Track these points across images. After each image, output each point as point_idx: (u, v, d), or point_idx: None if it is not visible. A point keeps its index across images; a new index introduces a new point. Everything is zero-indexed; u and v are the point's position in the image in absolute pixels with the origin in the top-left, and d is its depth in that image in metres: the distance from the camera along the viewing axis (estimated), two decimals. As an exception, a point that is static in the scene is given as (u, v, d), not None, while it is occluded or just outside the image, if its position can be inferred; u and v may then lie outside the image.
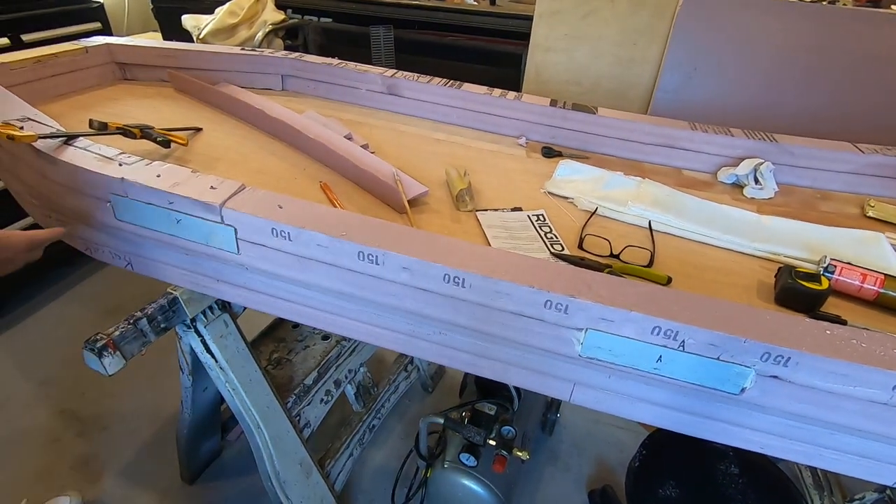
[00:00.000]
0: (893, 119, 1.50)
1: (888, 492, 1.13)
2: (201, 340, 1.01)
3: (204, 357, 1.03)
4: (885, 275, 0.73)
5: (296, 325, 1.43)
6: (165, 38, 2.62)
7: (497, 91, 1.23)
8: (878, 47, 1.46)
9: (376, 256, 0.66)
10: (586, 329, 0.61)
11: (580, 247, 0.84)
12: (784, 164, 1.07)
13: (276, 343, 1.38)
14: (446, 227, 0.87)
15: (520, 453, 1.14)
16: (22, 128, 0.82)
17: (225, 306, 1.05)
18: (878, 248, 0.86)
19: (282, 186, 0.95)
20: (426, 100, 1.27)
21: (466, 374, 1.49)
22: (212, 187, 0.74)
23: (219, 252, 0.76)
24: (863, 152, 1.05)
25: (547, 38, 1.81)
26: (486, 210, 0.91)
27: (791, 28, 1.51)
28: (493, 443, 1.14)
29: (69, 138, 0.84)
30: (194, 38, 2.30)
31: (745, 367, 0.57)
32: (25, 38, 1.95)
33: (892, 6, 1.70)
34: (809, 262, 0.81)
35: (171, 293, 0.94)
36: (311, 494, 1.25)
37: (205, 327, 1.00)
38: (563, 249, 0.82)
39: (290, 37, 2.50)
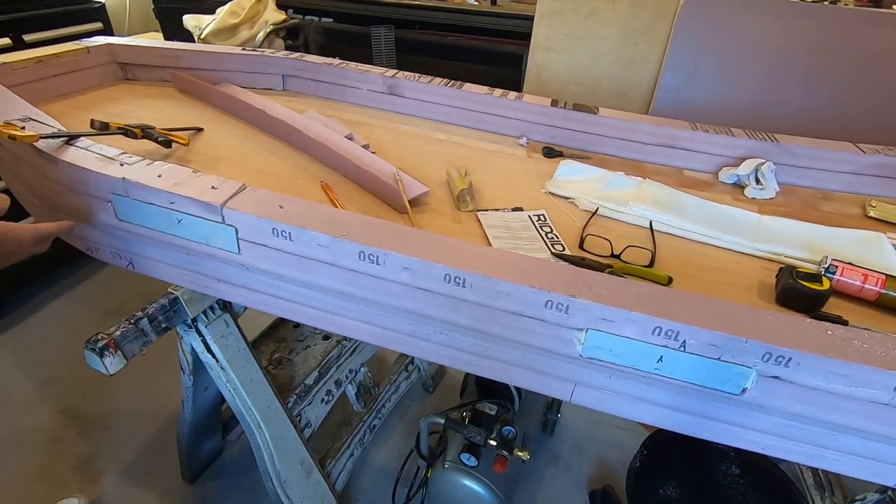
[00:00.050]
0: (894, 119, 1.50)
1: (889, 492, 1.13)
2: (202, 340, 1.01)
3: (205, 357, 1.03)
4: (887, 275, 0.73)
5: (296, 325, 1.43)
6: (167, 38, 2.62)
7: (498, 91, 1.23)
8: (879, 47, 1.46)
9: (377, 256, 0.66)
10: (587, 329, 0.61)
11: (581, 247, 0.84)
12: (785, 164, 1.07)
13: (276, 343, 1.38)
14: (447, 228, 0.87)
15: (520, 453, 1.14)
16: (23, 128, 0.82)
17: (226, 306, 1.05)
18: (880, 248, 0.86)
19: (283, 186, 0.95)
20: (427, 100, 1.27)
21: (467, 375, 1.49)
22: (213, 187, 0.74)
23: (220, 252, 0.77)
24: (864, 152, 1.05)
25: (548, 39, 1.81)
26: (486, 210, 0.91)
27: (791, 28, 1.51)
28: (493, 443, 1.14)
29: (70, 138, 0.84)
30: (195, 39, 2.30)
31: (746, 367, 0.57)
32: (27, 38, 1.96)
33: (894, 6, 1.69)
34: (811, 262, 0.81)
35: (172, 293, 0.95)
36: (311, 494, 1.25)
37: (206, 327, 1.00)
38: (563, 249, 0.82)
39: (292, 37, 2.50)
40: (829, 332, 0.57)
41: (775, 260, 0.84)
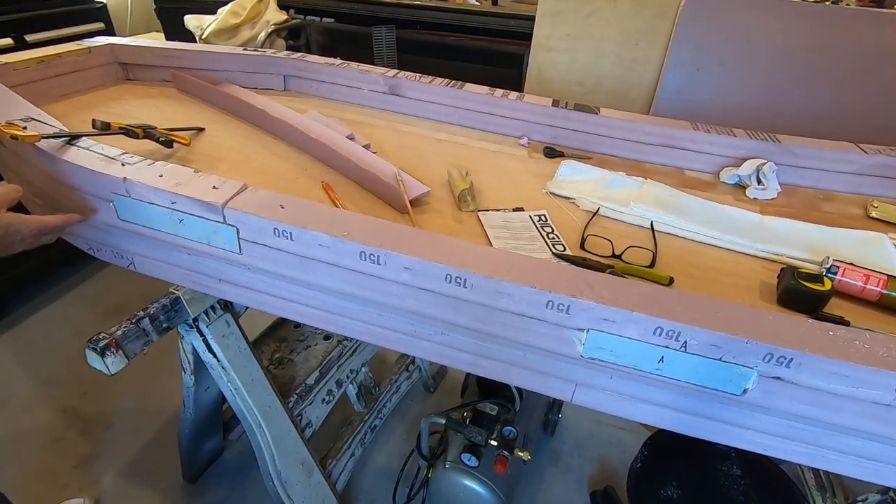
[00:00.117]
0: (894, 119, 1.50)
1: (891, 493, 1.13)
2: (203, 340, 1.02)
3: (206, 357, 1.03)
4: (888, 276, 0.73)
5: (297, 325, 1.43)
6: (168, 38, 2.63)
7: (499, 91, 1.23)
8: (879, 47, 1.46)
9: (378, 256, 0.66)
10: (588, 329, 0.61)
11: (582, 247, 0.84)
12: (787, 164, 1.06)
13: (277, 343, 1.38)
14: (448, 228, 0.87)
15: (521, 454, 1.14)
16: (25, 128, 0.83)
17: (227, 306, 1.05)
18: (881, 248, 0.86)
19: (284, 186, 0.95)
20: (428, 100, 1.27)
21: (468, 375, 1.49)
22: (214, 187, 0.74)
23: (221, 252, 0.77)
24: (866, 153, 1.05)
25: (549, 39, 1.81)
26: (487, 210, 0.91)
27: (792, 28, 1.51)
28: (494, 443, 1.14)
29: (72, 138, 0.84)
30: (197, 39, 2.30)
31: (748, 367, 0.57)
32: (29, 38, 1.96)
33: (895, 6, 1.69)
34: (812, 262, 0.81)
35: (174, 293, 0.95)
36: (312, 494, 1.25)
37: (207, 327, 1.01)
38: (564, 250, 0.82)
39: (293, 37, 2.50)
40: (831, 333, 0.57)
41: (777, 260, 0.84)
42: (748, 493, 0.99)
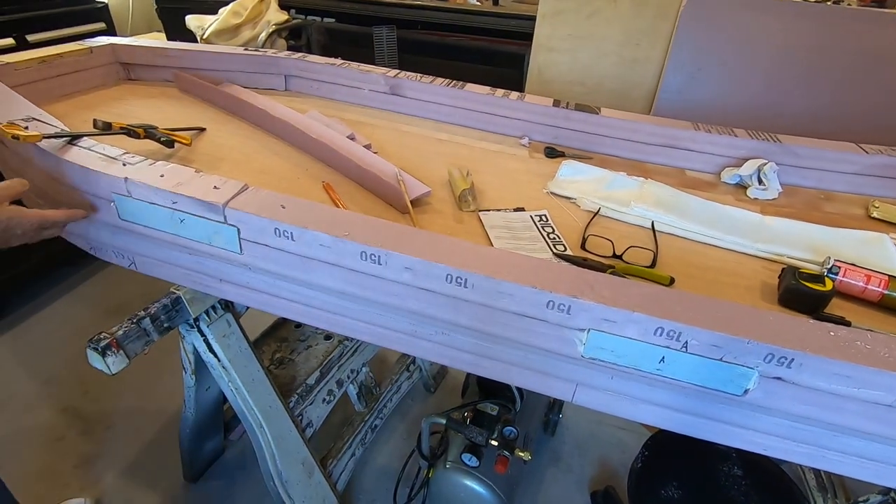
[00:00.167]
0: (895, 119, 1.50)
1: (892, 494, 1.12)
2: (204, 340, 1.02)
3: (207, 356, 1.04)
4: (890, 276, 0.73)
5: (298, 325, 1.43)
6: (169, 38, 2.63)
7: (500, 91, 1.23)
8: (879, 47, 1.46)
9: (379, 256, 0.66)
10: (589, 330, 0.61)
11: (583, 247, 0.84)
12: (788, 164, 1.06)
13: (278, 343, 1.38)
14: (449, 228, 0.87)
15: (522, 454, 1.14)
16: (27, 128, 0.83)
17: (228, 306, 1.05)
18: (883, 249, 0.86)
19: (284, 186, 0.95)
20: (429, 100, 1.27)
21: (469, 375, 1.49)
22: (215, 187, 0.74)
23: (222, 252, 0.77)
24: (867, 153, 1.04)
25: (550, 39, 1.81)
26: (488, 210, 0.91)
27: (792, 28, 1.51)
28: (495, 443, 1.14)
29: (73, 138, 0.84)
30: (198, 39, 2.30)
31: (749, 368, 0.57)
32: (30, 38, 1.96)
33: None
34: (813, 263, 0.81)
35: (175, 293, 0.95)
36: (313, 494, 1.25)
37: (208, 327, 1.01)
38: (565, 250, 0.82)
39: (294, 37, 2.50)
40: (832, 333, 0.57)
41: (778, 261, 0.83)
42: (749, 494, 0.99)
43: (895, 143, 1.10)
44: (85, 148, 0.82)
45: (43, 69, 1.15)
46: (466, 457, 1.17)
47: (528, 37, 1.89)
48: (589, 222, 0.90)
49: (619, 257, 0.81)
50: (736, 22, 1.55)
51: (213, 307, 1.01)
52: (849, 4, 1.75)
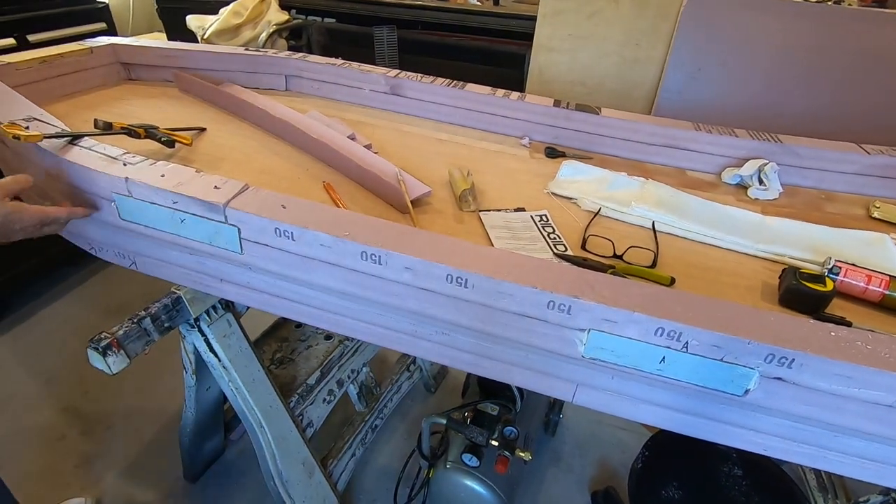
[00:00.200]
0: (894, 119, 1.50)
1: (893, 495, 1.12)
2: (205, 340, 1.02)
3: (207, 356, 1.04)
4: (890, 276, 0.73)
5: (299, 325, 1.43)
6: (170, 38, 2.63)
7: (500, 91, 1.23)
8: (879, 47, 1.46)
9: (379, 256, 0.66)
10: (589, 330, 0.61)
11: (583, 247, 0.84)
12: (789, 164, 1.06)
13: (279, 342, 1.38)
14: (449, 228, 0.87)
15: (522, 454, 1.14)
16: (28, 127, 0.83)
17: (228, 306, 1.05)
18: (883, 249, 0.85)
19: (285, 186, 0.95)
20: (429, 100, 1.27)
21: (469, 375, 1.49)
22: (216, 187, 0.74)
23: (222, 252, 0.77)
24: (868, 153, 1.04)
25: (550, 39, 1.81)
26: (489, 210, 0.91)
27: (792, 28, 1.51)
28: (495, 443, 1.14)
29: (74, 138, 0.84)
30: (199, 39, 2.30)
31: (749, 368, 0.57)
32: (31, 38, 1.96)
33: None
34: (814, 263, 0.81)
35: (175, 292, 0.95)
36: (313, 494, 1.25)
37: (208, 327, 1.01)
38: (566, 250, 0.82)
39: (294, 37, 2.50)
40: (833, 334, 0.57)
41: (778, 261, 0.83)
42: (749, 494, 0.99)
43: (895, 142, 1.10)
44: (86, 148, 0.82)
45: (44, 69, 1.15)
46: (467, 457, 1.17)
47: (528, 37, 1.89)
48: (589, 222, 0.90)
49: (620, 257, 0.81)
50: (736, 22, 1.55)
51: (214, 307, 1.02)
52: (849, 4, 1.74)
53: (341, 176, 1.00)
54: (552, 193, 0.99)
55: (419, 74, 1.29)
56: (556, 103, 1.19)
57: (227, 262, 0.80)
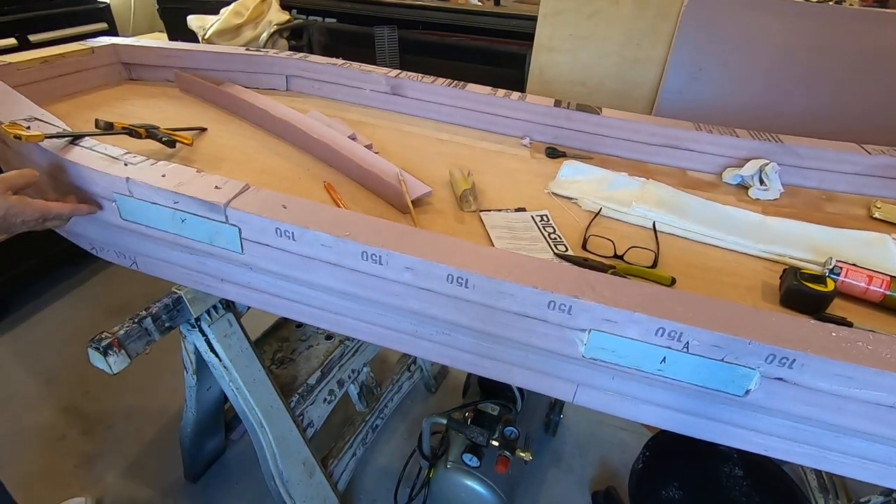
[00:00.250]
0: (895, 119, 1.50)
1: (894, 495, 1.12)
2: (205, 340, 1.02)
3: (208, 356, 1.04)
4: (892, 277, 0.73)
5: (299, 325, 1.43)
6: (171, 38, 2.63)
7: (501, 91, 1.23)
8: (879, 47, 1.46)
9: (380, 256, 0.66)
10: (590, 330, 0.61)
11: (584, 247, 0.84)
12: (789, 164, 1.06)
13: (279, 342, 1.38)
14: (450, 228, 0.87)
15: (523, 454, 1.14)
16: (29, 127, 0.83)
17: (229, 306, 1.05)
18: (885, 249, 0.85)
19: (286, 186, 0.95)
20: (430, 100, 1.27)
21: (470, 375, 1.49)
22: (216, 187, 0.74)
23: (223, 252, 0.77)
24: (869, 153, 1.04)
25: (551, 39, 1.81)
26: (489, 210, 0.91)
27: (792, 28, 1.51)
28: (496, 443, 1.14)
29: (75, 138, 0.84)
30: (199, 39, 2.30)
31: (750, 368, 0.57)
32: (32, 38, 1.97)
33: (899, 6, 1.69)
34: (815, 263, 0.81)
35: (176, 292, 0.95)
36: (314, 494, 1.25)
37: (209, 326, 1.01)
38: (566, 250, 0.82)
39: (295, 37, 2.50)
40: (834, 334, 0.56)
41: (779, 261, 0.83)
42: (750, 495, 0.99)
43: (895, 142, 1.10)
44: (87, 148, 0.82)
45: (45, 69, 1.15)
46: (467, 457, 1.17)
47: (529, 37, 1.89)
48: (590, 222, 0.90)
49: (621, 257, 0.81)
50: (737, 22, 1.55)
51: (215, 307, 1.02)
52: (850, 4, 1.74)
53: (342, 176, 1.00)
54: (553, 193, 0.99)
55: (420, 74, 1.29)
56: (557, 103, 1.19)
57: (228, 262, 0.80)
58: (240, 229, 0.73)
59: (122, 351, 0.88)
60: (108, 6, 2.29)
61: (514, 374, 0.74)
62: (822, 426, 0.61)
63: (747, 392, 0.59)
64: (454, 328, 0.72)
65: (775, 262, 0.84)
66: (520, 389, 1.29)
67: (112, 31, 2.29)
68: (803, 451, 0.65)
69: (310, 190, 0.95)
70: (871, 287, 0.73)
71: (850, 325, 0.67)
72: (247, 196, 0.73)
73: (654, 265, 0.80)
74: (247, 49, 1.38)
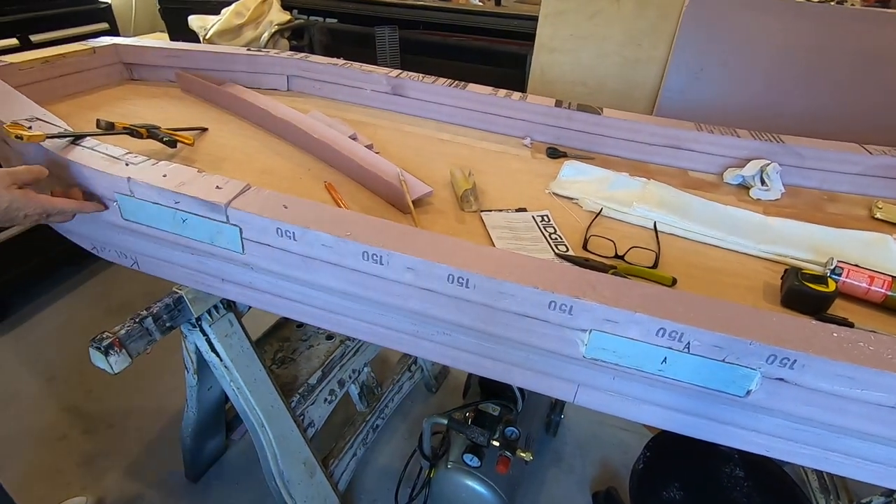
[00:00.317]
0: (895, 119, 1.50)
1: (895, 496, 1.12)
2: (206, 339, 1.02)
3: (209, 356, 1.04)
4: (893, 277, 0.72)
5: (300, 325, 1.43)
6: (172, 38, 2.63)
7: (502, 91, 1.23)
8: (879, 47, 1.46)
9: (381, 256, 0.66)
10: (591, 330, 0.61)
11: (585, 248, 0.84)
12: (791, 165, 1.06)
13: (280, 342, 1.39)
14: (451, 228, 0.87)
15: (523, 454, 1.14)
16: (30, 127, 0.83)
17: (230, 305, 1.05)
18: (886, 250, 0.85)
19: (287, 186, 0.95)
20: (431, 100, 1.27)
21: (470, 375, 1.49)
22: (217, 187, 0.74)
23: (224, 252, 0.77)
24: (871, 154, 1.04)
25: (552, 39, 1.81)
26: (490, 210, 0.91)
27: (792, 28, 1.51)
28: (496, 443, 1.14)
29: (77, 138, 0.84)
30: (201, 39, 2.31)
31: (751, 369, 0.57)
32: (34, 38, 1.97)
33: (900, 6, 1.69)
34: (816, 264, 0.81)
35: (177, 292, 0.95)
36: (314, 494, 1.25)
37: (210, 326, 1.01)
38: (567, 250, 0.82)
39: (296, 37, 2.50)
40: (835, 335, 0.56)
41: (780, 261, 0.83)
42: (751, 495, 0.99)
43: (894, 142, 1.10)
44: (88, 148, 0.83)
45: (46, 69, 1.16)
46: (468, 457, 1.17)
47: (530, 37, 1.89)
48: (591, 223, 0.90)
49: (622, 258, 0.81)
50: (737, 22, 1.55)
51: (216, 307, 1.02)
52: (852, 4, 1.74)
53: (343, 176, 1.00)
54: (554, 194, 0.99)
55: (421, 74, 1.29)
56: (558, 103, 1.19)
57: (229, 262, 0.80)
58: (241, 229, 0.73)
59: (123, 350, 0.88)
60: (109, 6, 2.29)
61: (514, 374, 0.74)
62: (823, 427, 0.61)
63: (748, 392, 0.59)
64: (455, 328, 0.72)
65: (776, 262, 0.83)
66: (520, 389, 1.29)
67: (113, 32, 2.30)
68: (804, 451, 0.65)
69: (311, 190, 0.95)
70: (873, 287, 0.72)
71: (851, 325, 0.67)
72: (248, 196, 0.74)
73: (655, 265, 0.80)
74: (248, 49, 1.38)
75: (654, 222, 0.90)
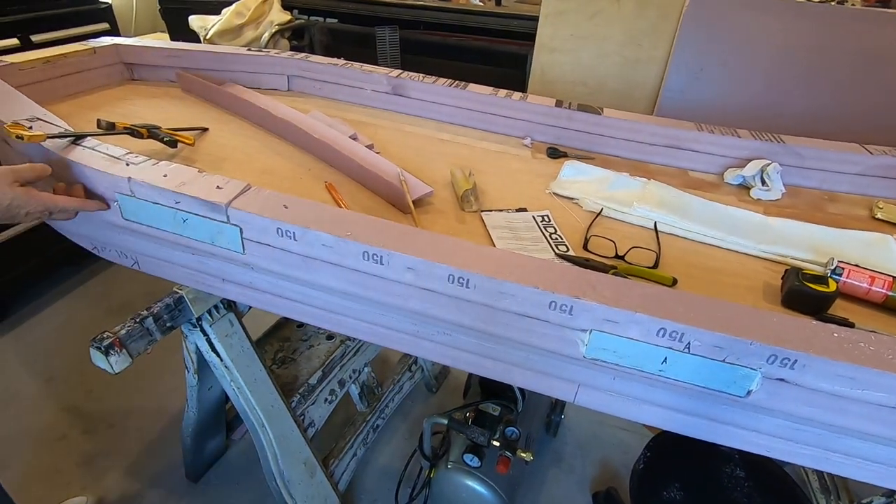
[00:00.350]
0: (895, 119, 1.50)
1: None
2: (207, 339, 1.02)
3: (209, 356, 1.04)
4: (894, 277, 0.72)
5: (300, 325, 1.43)
6: (173, 38, 2.63)
7: (502, 91, 1.23)
8: (880, 47, 1.46)
9: (381, 256, 0.66)
10: (591, 330, 0.61)
11: (585, 248, 0.84)
12: (791, 165, 1.06)
13: (280, 342, 1.39)
14: (451, 228, 0.87)
15: (523, 454, 1.14)
16: (31, 127, 0.83)
17: (230, 305, 1.05)
18: (887, 250, 0.85)
19: (287, 186, 0.96)
20: (431, 100, 1.27)
21: (470, 375, 1.49)
22: (218, 187, 0.74)
23: (224, 252, 0.77)
24: (871, 154, 1.04)
25: (552, 39, 1.81)
26: (490, 210, 0.91)
27: (792, 28, 1.51)
28: (496, 444, 1.14)
29: (77, 138, 0.84)
30: (201, 39, 2.31)
31: (752, 369, 0.57)
32: (35, 38, 1.97)
33: (900, 6, 1.68)
34: (817, 264, 0.81)
35: (177, 292, 0.95)
36: (314, 494, 1.25)
37: (210, 326, 1.01)
38: (567, 250, 0.82)
39: (296, 37, 2.50)
40: (836, 335, 0.56)
41: (781, 262, 0.83)
42: (751, 496, 0.99)
43: (894, 142, 1.10)
44: (89, 148, 0.83)
45: (47, 69, 1.16)
46: (468, 457, 1.17)
47: (530, 37, 1.89)
48: (591, 223, 0.90)
49: (622, 258, 0.81)
50: (737, 22, 1.55)
51: (216, 307, 1.02)
52: (852, 4, 1.74)
53: (343, 176, 1.00)
54: (554, 194, 0.99)
55: (421, 74, 1.29)
56: (558, 103, 1.19)
57: (230, 262, 0.80)
58: (241, 229, 0.73)
59: (124, 350, 0.88)
60: (109, 6, 2.29)
61: (515, 374, 0.74)
62: (823, 427, 0.61)
63: (749, 393, 0.59)
64: (455, 328, 0.72)
65: (777, 262, 0.83)
66: (521, 390, 1.29)
67: (114, 32, 2.30)
68: (805, 451, 0.65)
69: (311, 190, 0.95)
70: (874, 288, 0.72)
71: (851, 325, 0.67)
72: (248, 196, 0.74)
73: (656, 265, 0.80)
74: (248, 49, 1.38)
75: (655, 222, 0.90)
